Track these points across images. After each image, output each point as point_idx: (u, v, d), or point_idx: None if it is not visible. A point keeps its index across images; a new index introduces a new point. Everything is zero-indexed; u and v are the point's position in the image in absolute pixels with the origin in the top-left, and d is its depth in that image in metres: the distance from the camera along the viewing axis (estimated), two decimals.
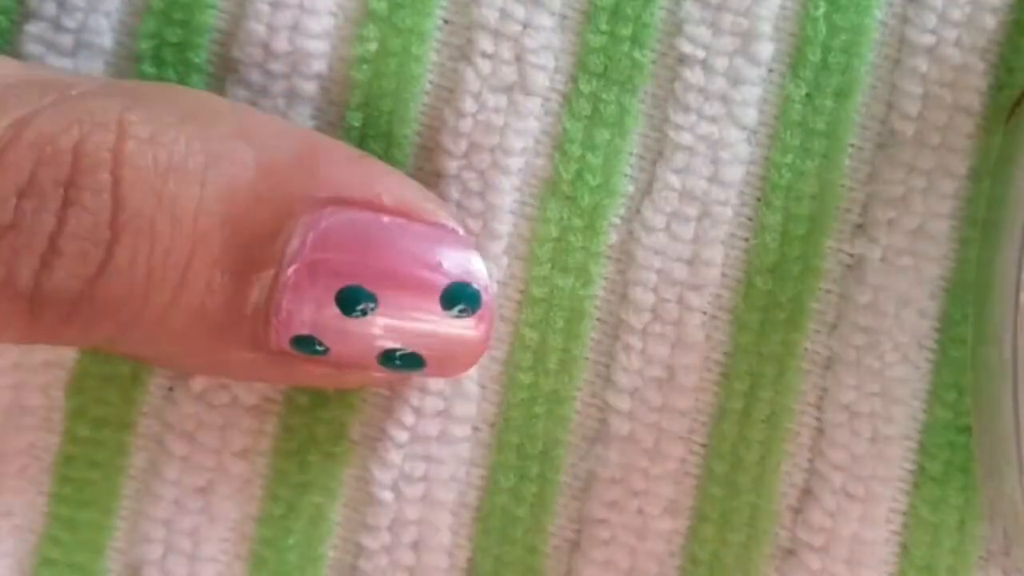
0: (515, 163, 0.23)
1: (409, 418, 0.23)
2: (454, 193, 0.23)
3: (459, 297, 0.21)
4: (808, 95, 0.23)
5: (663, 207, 0.23)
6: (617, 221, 0.23)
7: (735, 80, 0.23)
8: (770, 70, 0.23)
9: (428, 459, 0.23)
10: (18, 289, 0.19)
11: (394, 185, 0.21)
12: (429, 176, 0.23)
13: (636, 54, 0.23)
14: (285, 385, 0.23)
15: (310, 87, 0.23)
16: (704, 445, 0.23)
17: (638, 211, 0.23)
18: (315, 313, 0.20)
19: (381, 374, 0.22)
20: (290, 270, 0.20)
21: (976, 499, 0.23)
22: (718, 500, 0.23)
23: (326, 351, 0.21)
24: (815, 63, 0.23)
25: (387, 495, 0.23)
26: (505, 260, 0.23)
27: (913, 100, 0.23)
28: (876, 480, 0.23)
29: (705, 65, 0.23)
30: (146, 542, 0.23)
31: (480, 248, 0.23)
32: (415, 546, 0.23)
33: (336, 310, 0.20)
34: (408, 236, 0.21)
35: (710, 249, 0.23)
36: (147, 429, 0.23)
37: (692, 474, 0.23)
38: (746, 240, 0.23)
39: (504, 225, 0.23)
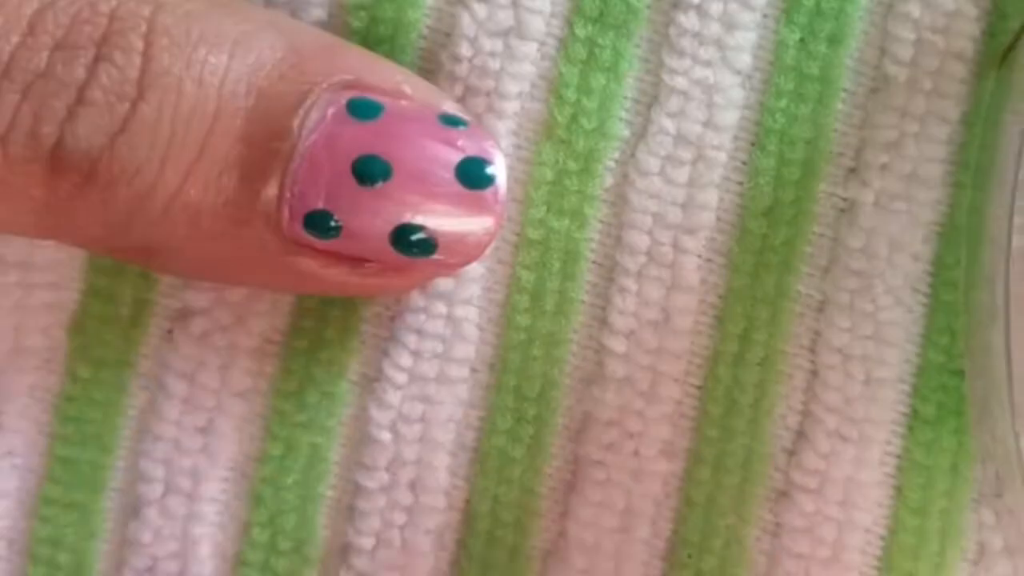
0: (511, 107, 0.23)
1: (407, 360, 0.23)
2: None
3: (474, 170, 0.21)
4: (802, 40, 0.23)
5: (658, 151, 0.23)
6: (612, 164, 0.23)
7: (729, 25, 0.23)
8: (764, 15, 0.23)
9: (426, 400, 0.23)
10: (41, 140, 0.20)
11: (416, 81, 0.22)
12: None
13: None
14: (293, 291, 0.23)
15: None
16: (699, 387, 0.23)
17: (633, 155, 0.23)
18: (330, 183, 0.21)
19: (394, 274, 0.22)
20: (308, 140, 0.20)
21: (969, 441, 0.23)
22: (713, 442, 0.23)
23: (338, 229, 0.21)
24: (809, 8, 0.23)
25: (385, 435, 0.23)
26: None
27: (906, 46, 0.23)
28: (869, 423, 0.23)
29: (699, 10, 0.23)
30: (146, 481, 0.23)
31: None
32: (412, 486, 0.23)
33: (352, 179, 0.21)
34: (427, 117, 0.21)
35: (705, 193, 0.23)
36: (147, 370, 0.23)
37: (688, 416, 0.23)
38: (740, 184, 0.23)
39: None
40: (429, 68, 0.23)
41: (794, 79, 0.23)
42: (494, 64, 0.23)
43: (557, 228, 0.23)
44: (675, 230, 0.23)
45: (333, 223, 0.21)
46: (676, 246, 0.23)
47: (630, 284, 0.23)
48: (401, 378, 0.23)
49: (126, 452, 0.24)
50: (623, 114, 0.23)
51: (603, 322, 0.23)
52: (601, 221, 0.23)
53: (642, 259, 0.23)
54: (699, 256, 0.23)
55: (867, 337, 0.23)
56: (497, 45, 0.23)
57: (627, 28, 0.23)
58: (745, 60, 0.23)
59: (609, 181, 0.23)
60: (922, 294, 0.23)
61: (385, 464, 0.23)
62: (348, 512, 0.23)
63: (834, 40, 0.23)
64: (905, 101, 0.23)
